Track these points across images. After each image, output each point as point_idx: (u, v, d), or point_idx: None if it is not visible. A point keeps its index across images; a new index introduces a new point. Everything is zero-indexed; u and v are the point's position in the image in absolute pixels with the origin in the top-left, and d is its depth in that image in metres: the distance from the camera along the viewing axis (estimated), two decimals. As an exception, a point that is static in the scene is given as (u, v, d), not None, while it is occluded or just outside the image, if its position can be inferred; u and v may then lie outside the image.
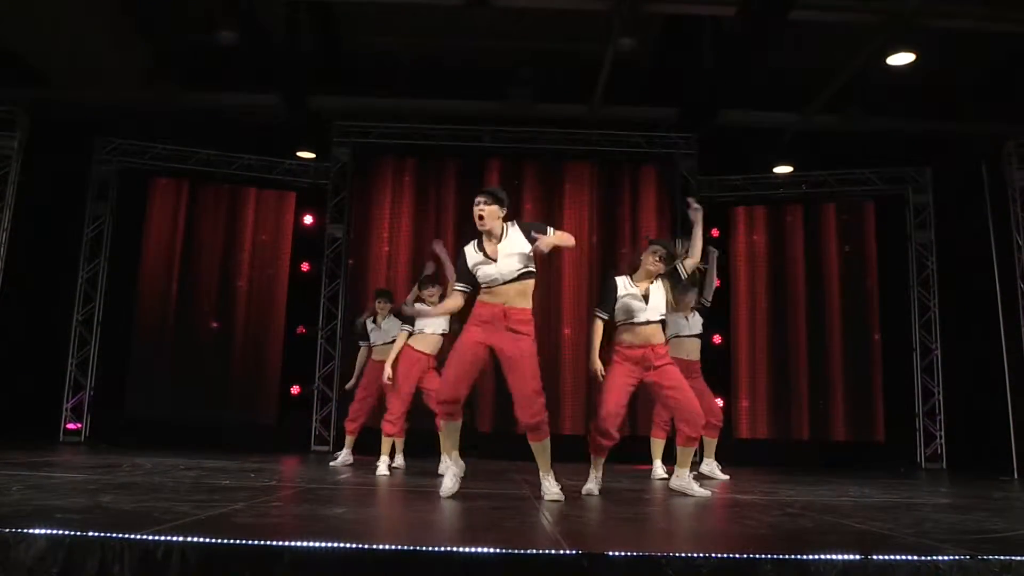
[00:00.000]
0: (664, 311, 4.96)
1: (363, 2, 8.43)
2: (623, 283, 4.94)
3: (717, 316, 10.41)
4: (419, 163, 10.58)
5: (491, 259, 4.36)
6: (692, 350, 6.53)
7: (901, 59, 8.29)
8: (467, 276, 4.44)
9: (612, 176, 10.62)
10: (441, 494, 4.21)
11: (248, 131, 10.32)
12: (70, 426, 9.60)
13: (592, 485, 4.81)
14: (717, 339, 10.43)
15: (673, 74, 9.50)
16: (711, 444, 6.67)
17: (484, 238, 4.44)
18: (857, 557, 2.43)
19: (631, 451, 7.10)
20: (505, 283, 4.34)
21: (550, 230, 4.38)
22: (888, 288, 10.23)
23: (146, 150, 10.26)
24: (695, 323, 6.58)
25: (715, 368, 10.23)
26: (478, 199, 4.41)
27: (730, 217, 10.75)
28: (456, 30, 8.99)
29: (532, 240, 4.36)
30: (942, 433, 9.73)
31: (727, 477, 6.53)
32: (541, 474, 4.40)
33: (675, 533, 3.07)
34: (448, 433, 4.46)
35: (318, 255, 10.28)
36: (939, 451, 9.69)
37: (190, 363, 9.99)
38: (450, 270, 5.78)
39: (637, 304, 4.85)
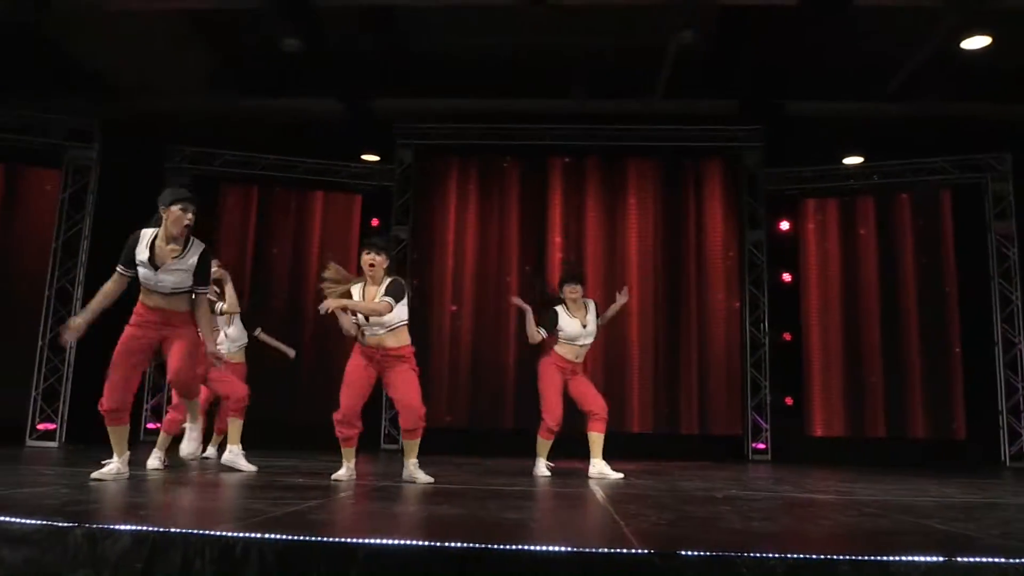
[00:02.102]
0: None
1: (423, 5, 8.49)
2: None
3: (786, 313, 10.25)
4: (481, 162, 10.64)
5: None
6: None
7: (976, 43, 8.01)
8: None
9: (676, 171, 10.51)
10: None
11: (313, 135, 10.48)
12: (150, 426, 9.92)
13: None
14: (787, 336, 10.22)
15: (734, 66, 9.33)
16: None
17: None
18: (941, 559, 2.34)
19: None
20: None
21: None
22: (967, 281, 9.89)
23: (215, 157, 10.53)
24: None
25: (786, 365, 10.07)
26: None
27: (800, 210, 10.53)
28: (513, 29, 8.98)
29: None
30: (1028, 430, 9.37)
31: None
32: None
33: (749, 532, 3.01)
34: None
35: (386, 257, 10.37)
36: (1024, 449, 9.33)
37: (275, 364, 10.12)
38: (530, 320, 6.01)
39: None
